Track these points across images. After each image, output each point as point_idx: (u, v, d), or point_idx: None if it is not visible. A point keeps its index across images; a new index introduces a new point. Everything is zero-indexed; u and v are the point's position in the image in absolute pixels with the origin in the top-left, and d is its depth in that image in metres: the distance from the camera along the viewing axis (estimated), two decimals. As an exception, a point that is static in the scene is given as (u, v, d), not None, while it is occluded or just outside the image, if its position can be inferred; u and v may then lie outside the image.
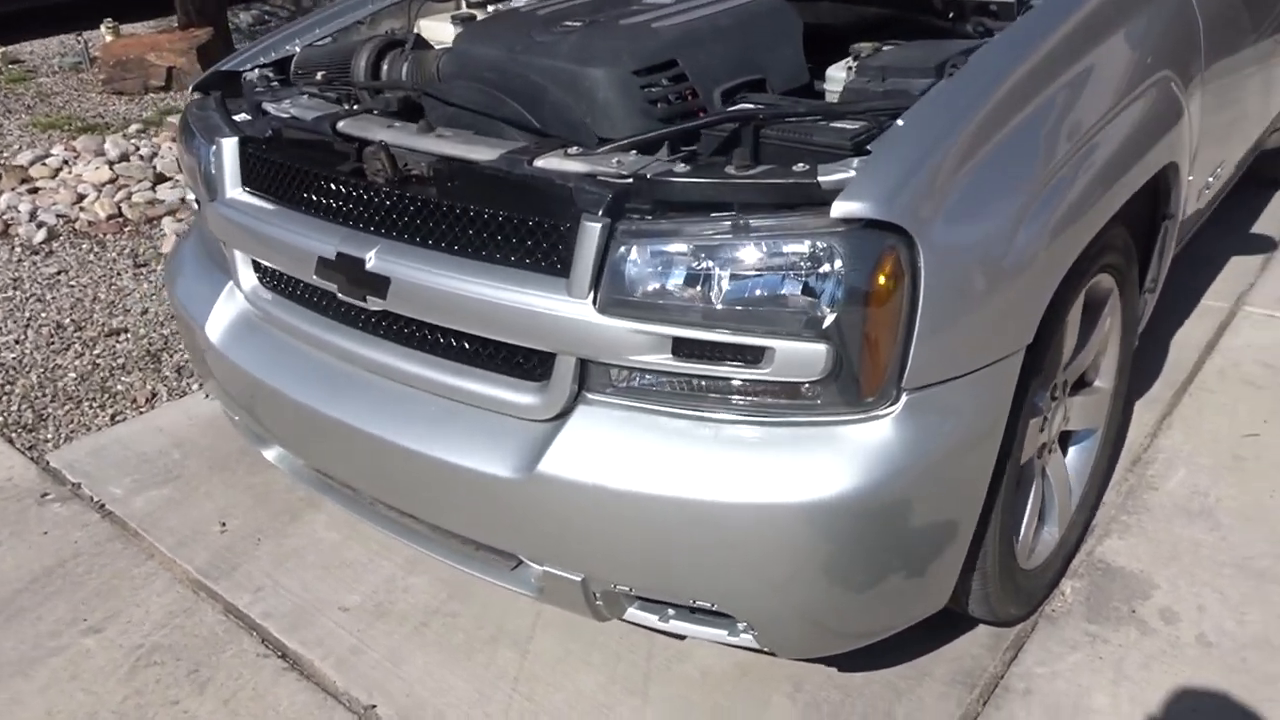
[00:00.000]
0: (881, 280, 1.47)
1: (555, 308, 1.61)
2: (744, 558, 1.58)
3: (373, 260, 1.80)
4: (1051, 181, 1.71)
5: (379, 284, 1.80)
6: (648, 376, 1.64)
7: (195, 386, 3.30)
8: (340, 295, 1.88)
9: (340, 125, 1.99)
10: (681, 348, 1.56)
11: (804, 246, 1.48)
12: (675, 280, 1.54)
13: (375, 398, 1.90)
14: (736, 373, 1.55)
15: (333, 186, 1.91)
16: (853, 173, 1.52)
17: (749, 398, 1.58)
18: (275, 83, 2.38)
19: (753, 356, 1.53)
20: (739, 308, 1.51)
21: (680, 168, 1.61)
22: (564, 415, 1.68)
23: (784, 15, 2.14)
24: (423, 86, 2.11)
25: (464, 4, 2.80)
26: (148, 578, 2.44)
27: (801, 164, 1.56)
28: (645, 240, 1.55)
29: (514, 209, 1.67)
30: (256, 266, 2.16)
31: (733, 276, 1.51)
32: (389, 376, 1.89)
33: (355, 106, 2.17)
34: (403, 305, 1.79)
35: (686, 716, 2.01)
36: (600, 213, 1.57)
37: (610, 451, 1.62)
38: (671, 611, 1.80)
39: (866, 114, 1.70)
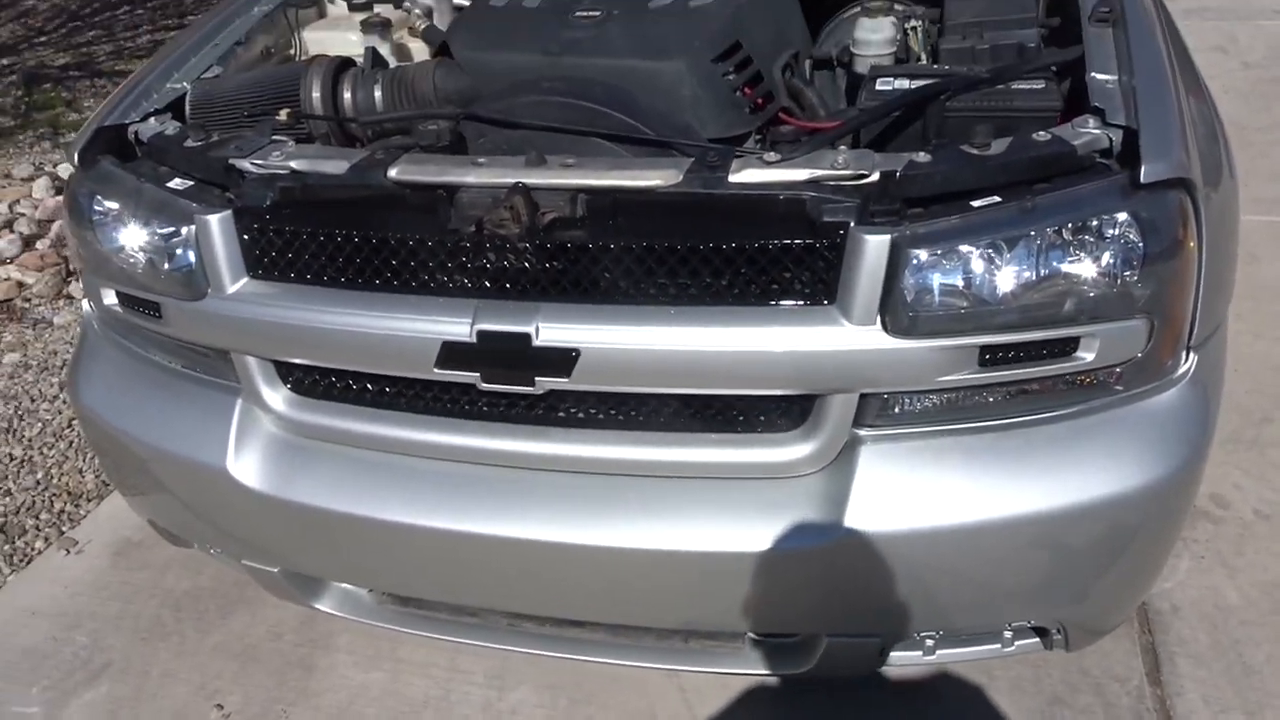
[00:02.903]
0: (1183, 236, 1.40)
1: (830, 341, 1.37)
2: (1086, 560, 1.46)
3: (542, 331, 1.43)
4: (1211, 107, 1.73)
5: (556, 360, 1.43)
6: (923, 397, 1.46)
7: (42, 545, 2.52)
8: (484, 385, 1.48)
9: (395, 173, 1.55)
10: (989, 355, 1.39)
11: (1107, 218, 1.37)
12: (976, 283, 1.36)
13: (545, 499, 1.53)
14: (1053, 370, 1.41)
15: (435, 252, 1.48)
16: (1096, 132, 1.43)
17: (1048, 392, 1.45)
18: (206, 132, 1.80)
19: (1067, 347, 1.40)
20: (1053, 298, 1.37)
21: (921, 158, 1.42)
22: (834, 462, 1.45)
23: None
24: (467, 110, 1.71)
25: (345, 7, 2.31)
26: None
27: (1041, 133, 1.44)
28: (933, 245, 1.36)
29: (738, 236, 1.39)
30: (284, 375, 1.66)
31: (1036, 266, 1.36)
32: (561, 469, 1.54)
33: (367, 147, 1.71)
34: (596, 379, 1.45)
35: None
36: (863, 223, 1.36)
37: (921, 487, 1.42)
38: (931, 643, 1.64)
39: (1038, 73, 1.62)
